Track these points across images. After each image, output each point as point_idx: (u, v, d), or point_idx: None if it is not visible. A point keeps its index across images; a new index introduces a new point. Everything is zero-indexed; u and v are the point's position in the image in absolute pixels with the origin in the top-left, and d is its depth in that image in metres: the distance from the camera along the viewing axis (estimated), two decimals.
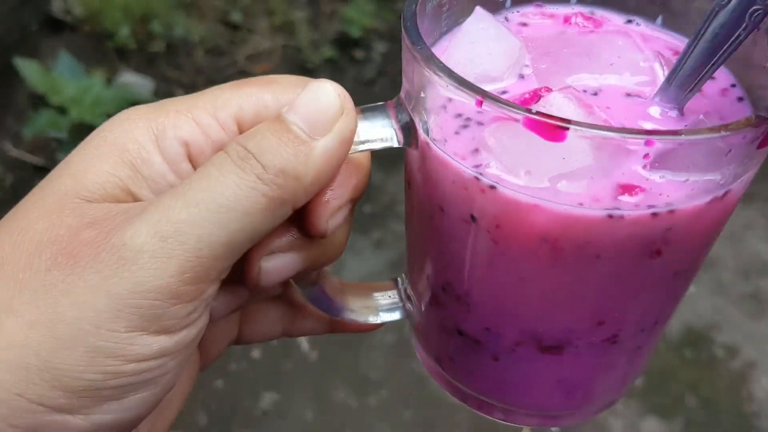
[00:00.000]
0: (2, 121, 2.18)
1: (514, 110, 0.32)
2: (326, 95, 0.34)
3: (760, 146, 0.35)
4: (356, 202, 0.39)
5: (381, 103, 0.39)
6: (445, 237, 0.40)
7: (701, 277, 1.92)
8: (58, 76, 2.08)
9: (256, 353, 1.73)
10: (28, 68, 2.08)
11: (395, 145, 0.39)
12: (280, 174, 0.32)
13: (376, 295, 0.49)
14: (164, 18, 2.43)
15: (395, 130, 0.38)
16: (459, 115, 0.36)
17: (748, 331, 1.81)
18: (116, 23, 2.41)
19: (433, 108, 0.37)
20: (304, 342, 1.74)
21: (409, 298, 0.49)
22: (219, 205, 0.31)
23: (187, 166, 0.36)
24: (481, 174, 0.35)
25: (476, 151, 0.36)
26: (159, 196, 0.33)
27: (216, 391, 1.66)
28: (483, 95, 0.33)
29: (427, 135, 0.37)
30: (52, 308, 0.30)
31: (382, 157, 1.74)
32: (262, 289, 0.39)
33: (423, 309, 0.47)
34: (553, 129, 0.31)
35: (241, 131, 0.36)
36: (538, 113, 0.31)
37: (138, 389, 0.32)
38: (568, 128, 0.31)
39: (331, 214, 0.37)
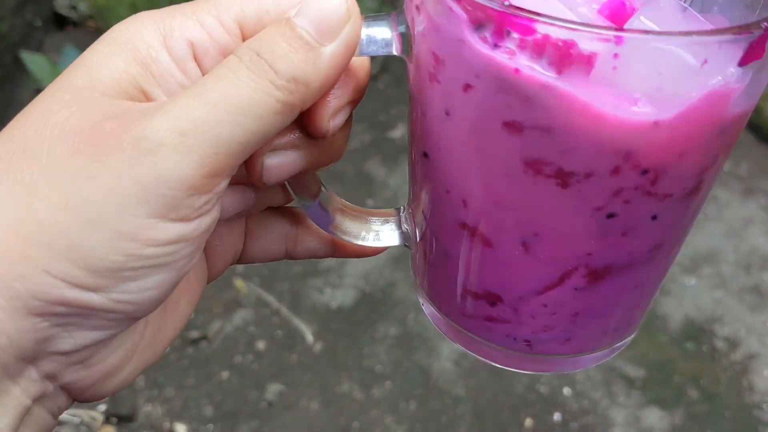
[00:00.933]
0: (8, 116, 2.19)
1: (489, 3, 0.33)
2: (334, 1, 0.35)
3: (740, 63, 0.34)
4: (356, 104, 0.41)
5: (385, 13, 0.40)
6: (454, 143, 0.41)
7: (702, 271, 1.94)
8: (64, 70, 2.09)
9: (261, 345, 1.74)
10: (34, 62, 2.10)
11: (395, 53, 0.40)
12: (291, 80, 0.34)
13: (374, 219, 0.50)
14: None
15: (395, 39, 0.40)
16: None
17: (749, 324, 1.82)
18: (122, 20, 2.42)
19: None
20: (308, 334, 1.76)
21: (408, 225, 0.50)
22: (237, 107, 0.33)
23: (193, 66, 0.37)
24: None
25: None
26: (174, 97, 0.34)
27: (221, 383, 1.67)
28: None
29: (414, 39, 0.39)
30: (78, 192, 0.32)
31: (385, 154, 1.76)
32: (265, 187, 0.41)
33: (419, 235, 0.48)
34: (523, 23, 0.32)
35: (243, 34, 0.38)
36: (510, 6, 0.32)
37: (155, 272, 0.34)
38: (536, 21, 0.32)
39: (333, 114, 0.38)
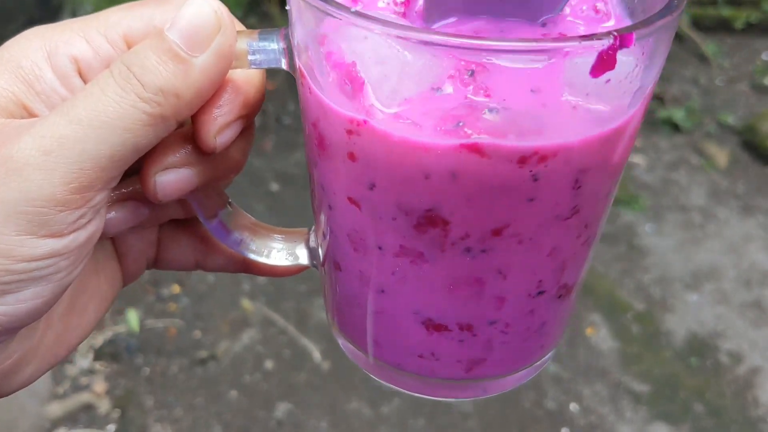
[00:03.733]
0: None
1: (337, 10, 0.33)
2: (203, 11, 0.36)
3: (593, 72, 0.32)
4: (249, 119, 0.41)
5: (275, 28, 0.40)
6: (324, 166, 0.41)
7: (704, 287, 1.97)
8: None
9: (269, 364, 1.75)
10: None
11: (282, 67, 0.40)
12: (159, 92, 0.34)
13: (283, 237, 0.49)
14: None
15: (282, 52, 0.39)
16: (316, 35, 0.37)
17: (751, 339, 1.84)
18: None
19: (297, 30, 0.38)
20: (316, 352, 1.76)
21: (315, 244, 0.49)
22: (101, 122, 0.34)
23: (77, 81, 0.38)
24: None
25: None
26: (45, 116, 0.35)
27: (230, 403, 1.67)
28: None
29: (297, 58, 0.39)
30: None
31: None
32: (160, 202, 0.41)
33: (321, 252, 0.48)
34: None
35: (129, 48, 0.38)
36: (356, 12, 0.33)
37: (31, 285, 0.35)
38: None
39: (219, 130, 0.38)
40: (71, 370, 1.72)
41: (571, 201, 0.37)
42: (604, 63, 0.31)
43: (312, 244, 0.49)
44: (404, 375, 0.48)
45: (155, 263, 0.49)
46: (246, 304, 1.88)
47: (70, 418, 1.63)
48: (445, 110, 0.33)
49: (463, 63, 0.33)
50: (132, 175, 0.41)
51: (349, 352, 0.50)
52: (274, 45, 0.39)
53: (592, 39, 0.31)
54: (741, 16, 3.07)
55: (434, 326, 0.43)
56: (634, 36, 0.31)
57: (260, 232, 0.48)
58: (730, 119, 2.62)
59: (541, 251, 0.39)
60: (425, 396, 0.49)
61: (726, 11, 3.08)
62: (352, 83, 0.35)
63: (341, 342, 0.51)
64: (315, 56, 0.37)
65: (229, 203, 0.47)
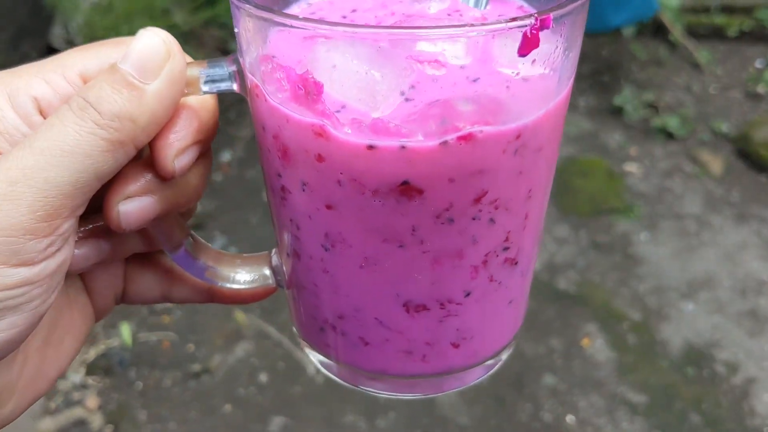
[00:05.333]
0: None
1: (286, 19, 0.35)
2: (152, 42, 0.38)
3: (520, 51, 0.36)
4: (205, 144, 0.42)
5: (224, 56, 0.42)
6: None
7: (699, 296, 1.96)
8: None
9: (263, 377, 1.73)
10: None
11: (234, 89, 0.42)
12: (115, 118, 0.36)
13: (246, 262, 0.51)
14: None
15: (232, 77, 0.42)
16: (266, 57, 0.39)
17: (747, 348, 1.84)
18: None
19: (247, 50, 0.40)
20: (310, 366, 1.75)
21: (279, 263, 0.50)
22: (62, 150, 0.35)
23: (38, 119, 0.40)
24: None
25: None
26: (11, 150, 0.37)
27: (225, 417, 1.66)
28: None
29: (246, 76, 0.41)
30: None
31: None
32: (125, 233, 0.43)
33: (286, 269, 0.49)
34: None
35: None
36: (304, 18, 0.35)
37: (5, 314, 0.36)
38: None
39: (176, 154, 0.40)
40: (63, 385, 1.70)
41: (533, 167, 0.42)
42: (529, 42, 0.35)
43: (275, 263, 0.50)
44: (385, 377, 0.49)
45: (123, 298, 0.50)
46: (240, 316, 1.87)
47: None
48: (418, 110, 0.36)
49: (413, 60, 0.36)
50: (92, 214, 0.42)
51: (323, 365, 0.52)
52: (224, 70, 0.41)
53: (516, 20, 0.34)
54: (734, 24, 3.08)
55: (414, 307, 0.44)
56: (552, 17, 0.35)
57: (224, 259, 0.50)
58: (724, 127, 2.63)
59: (518, 214, 0.43)
60: (406, 395, 0.51)
61: (719, 19, 3.09)
62: (310, 89, 0.37)
63: (309, 352, 0.52)
64: (268, 70, 0.39)
65: (192, 235, 0.48)
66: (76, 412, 1.64)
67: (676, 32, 3.00)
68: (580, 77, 2.93)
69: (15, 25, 2.42)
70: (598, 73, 2.96)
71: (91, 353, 1.76)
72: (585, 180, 2.38)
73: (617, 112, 2.71)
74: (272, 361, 1.78)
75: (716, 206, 2.28)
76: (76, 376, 1.71)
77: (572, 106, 2.76)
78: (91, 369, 1.73)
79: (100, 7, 2.42)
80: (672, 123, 2.60)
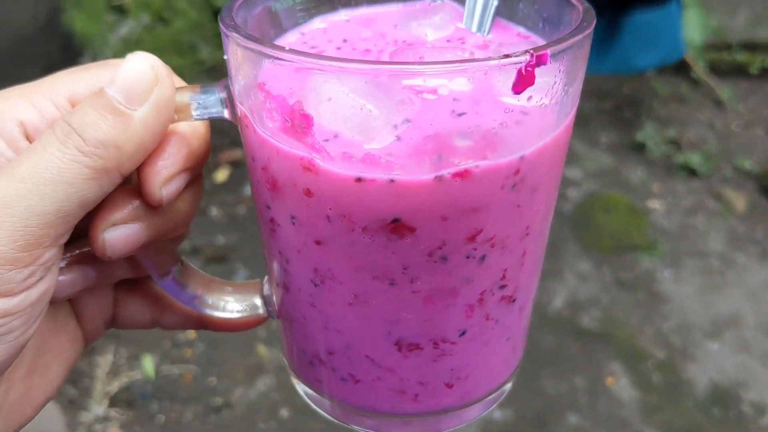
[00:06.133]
0: None
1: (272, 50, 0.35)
2: (140, 67, 0.37)
3: (514, 89, 0.35)
4: (194, 171, 0.41)
5: (216, 81, 0.41)
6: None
7: (725, 335, 1.94)
8: None
9: (284, 412, 1.73)
10: None
11: (225, 116, 0.41)
12: (99, 145, 0.35)
13: (234, 289, 0.49)
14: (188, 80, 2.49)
15: (223, 103, 0.41)
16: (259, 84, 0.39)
17: None
18: None
19: (236, 79, 0.39)
20: None
21: (270, 293, 0.49)
22: (44, 178, 0.34)
23: (24, 144, 0.39)
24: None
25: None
26: None
27: None
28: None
29: (237, 104, 0.40)
30: None
31: None
32: (111, 261, 0.41)
33: (276, 299, 0.48)
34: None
35: None
36: (291, 50, 0.34)
37: None
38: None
39: (164, 182, 0.39)
40: (86, 417, 1.70)
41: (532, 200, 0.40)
42: (524, 79, 0.34)
43: (266, 292, 0.49)
44: (376, 415, 0.48)
45: (113, 323, 0.49)
46: (262, 350, 1.87)
47: None
48: (412, 144, 0.35)
49: (408, 92, 0.35)
50: (78, 239, 0.41)
51: (312, 399, 0.50)
52: (215, 96, 0.40)
53: (511, 57, 0.33)
54: (756, 61, 3.08)
55: (407, 346, 0.43)
56: (549, 53, 0.33)
57: (214, 287, 0.49)
58: (747, 164, 2.61)
59: (514, 251, 0.41)
60: None
61: (741, 56, 3.09)
62: (299, 121, 0.36)
63: (298, 385, 0.51)
64: (257, 100, 0.38)
65: (181, 261, 0.47)
66: None
67: (699, 69, 3.00)
68: (601, 113, 2.93)
69: (46, 59, 2.48)
70: (619, 109, 2.97)
71: (114, 385, 1.76)
72: (607, 216, 2.37)
73: (639, 148, 2.71)
74: (293, 395, 1.77)
75: (740, 244, 2.26)
76: (99, 408, 1.71)
77: (593, 141, 2.76)
78: (114, 401, 1.74)
79: (129, 42, 2.47)
80: (695, 160, 2.59)
